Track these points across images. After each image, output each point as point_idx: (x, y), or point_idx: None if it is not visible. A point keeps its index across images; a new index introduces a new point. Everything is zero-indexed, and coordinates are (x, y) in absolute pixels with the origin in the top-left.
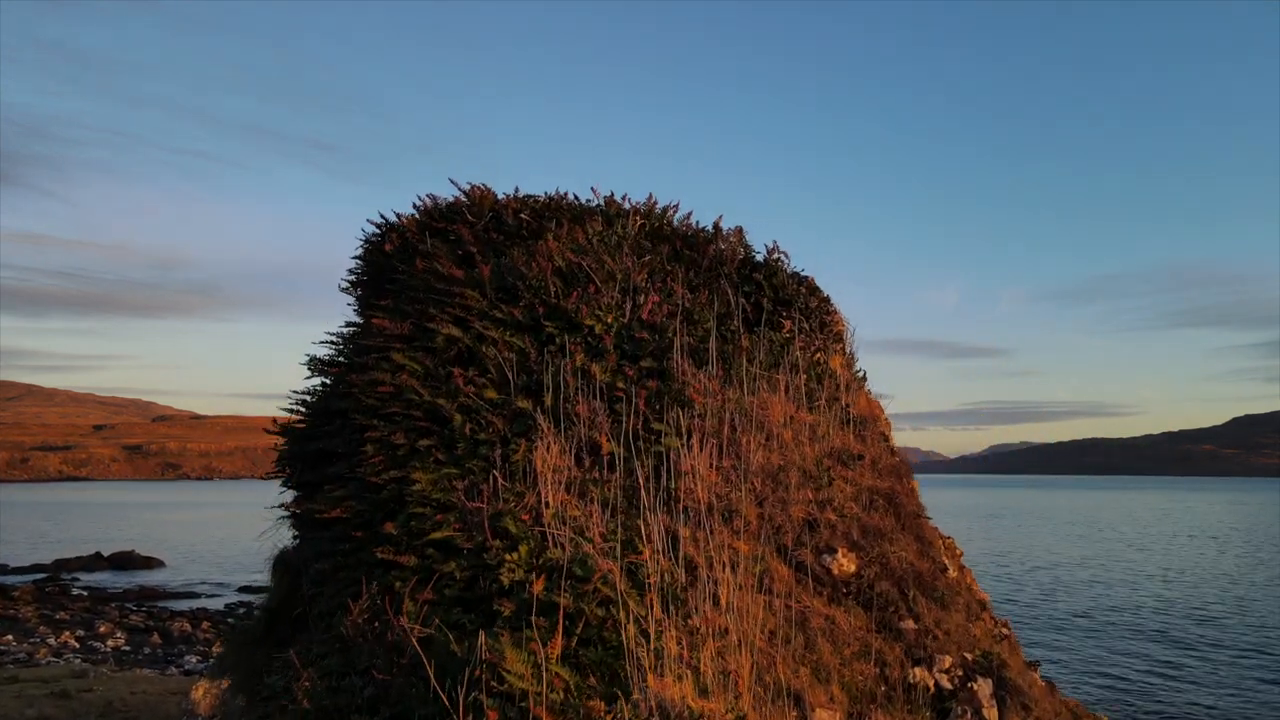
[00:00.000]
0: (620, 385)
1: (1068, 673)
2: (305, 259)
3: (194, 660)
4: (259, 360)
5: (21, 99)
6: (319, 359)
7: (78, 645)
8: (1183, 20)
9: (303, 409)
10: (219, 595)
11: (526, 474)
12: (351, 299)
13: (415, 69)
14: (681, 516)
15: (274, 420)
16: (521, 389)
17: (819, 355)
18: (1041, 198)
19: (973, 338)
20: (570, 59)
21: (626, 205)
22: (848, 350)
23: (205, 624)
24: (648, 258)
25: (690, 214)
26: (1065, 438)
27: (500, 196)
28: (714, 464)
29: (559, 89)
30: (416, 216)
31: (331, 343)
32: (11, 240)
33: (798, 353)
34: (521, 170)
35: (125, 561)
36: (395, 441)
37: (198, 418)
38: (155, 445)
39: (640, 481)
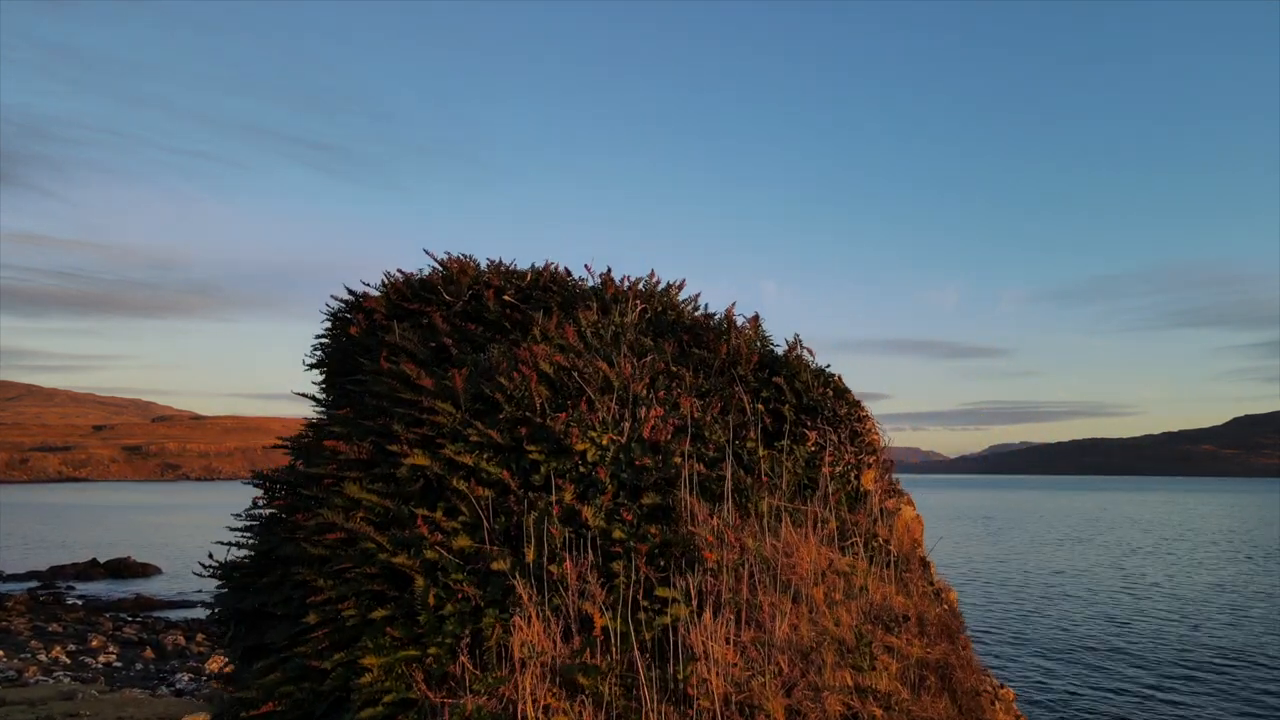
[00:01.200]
0: (617, 534)
1: (1059, 700)
2: (305, 259)
3: (186, 679)
4: (259, 360)
5: (21, 99)
6: (267, 478)
7: (69, 661)
8: (1183, 19)
9: (245, 537)
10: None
11: (502, 657)
12: (317, 378)
13: (415, 70)
14: (693, 716)
15: (211, 557)
16: (499, 535)
17: (850, 473)
18: (1041, 198)
19: (973, 338)
20: (571, 61)
21: (625, 285)
22: (882, 461)
23: (200, 636)
24: (650, 357)
25: (697, 296)
26: (1065, 438)
27: (484, 265)
28: (731, 638)
29: (560, 91)
30: (386, 295)
31: (285, 446)
32: (11, 240)
33: (825, 470)
34: (521, 170)
35: (121, 568)
36: (344, 611)
37: (198, 418)
38: (155, 446)
39: (640, 668)
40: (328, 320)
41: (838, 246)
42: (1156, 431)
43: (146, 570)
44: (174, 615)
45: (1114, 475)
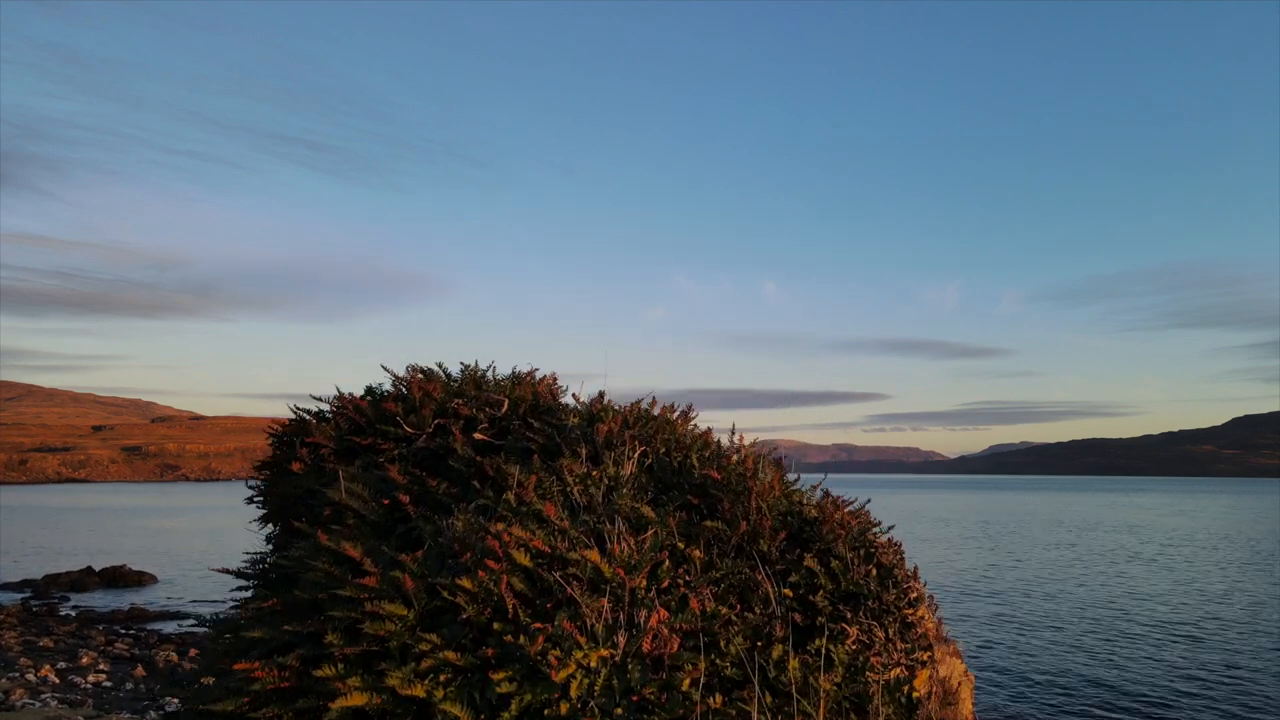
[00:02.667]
0: None
1: None
2: (305, 260)
3: (175, 703)
4: (258, 360)
5: (17, 99)
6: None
7: (58, 681)
8: (1182, 20)
9: None
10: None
11: None
12: (259, 508)
13: (416, 71)
14: None
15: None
16: None
17: (904, 685)
18: (1041, 198)
19: (973, 338)
20: (572, 62)
21: (619, 423)
22: (936, 652)
23: (193, 651)
24: (651, 533)
25: (708, 432)
26: (1065, 438)
27: (457, 374)
28: None
29: (561, 92)
30: (335, 424)
31: (209, 621)
32: (9, 240)
33: (872, 679)
34: (521, 172)
35: (116, 577)
36: None
37: (198, 418)
38: (154, 446)
39: None
40: (272, 438)
41: (838, 246)
42: (1156, 432)
43: (142, 579)
44: (168, 627)
45: (1114, 475)
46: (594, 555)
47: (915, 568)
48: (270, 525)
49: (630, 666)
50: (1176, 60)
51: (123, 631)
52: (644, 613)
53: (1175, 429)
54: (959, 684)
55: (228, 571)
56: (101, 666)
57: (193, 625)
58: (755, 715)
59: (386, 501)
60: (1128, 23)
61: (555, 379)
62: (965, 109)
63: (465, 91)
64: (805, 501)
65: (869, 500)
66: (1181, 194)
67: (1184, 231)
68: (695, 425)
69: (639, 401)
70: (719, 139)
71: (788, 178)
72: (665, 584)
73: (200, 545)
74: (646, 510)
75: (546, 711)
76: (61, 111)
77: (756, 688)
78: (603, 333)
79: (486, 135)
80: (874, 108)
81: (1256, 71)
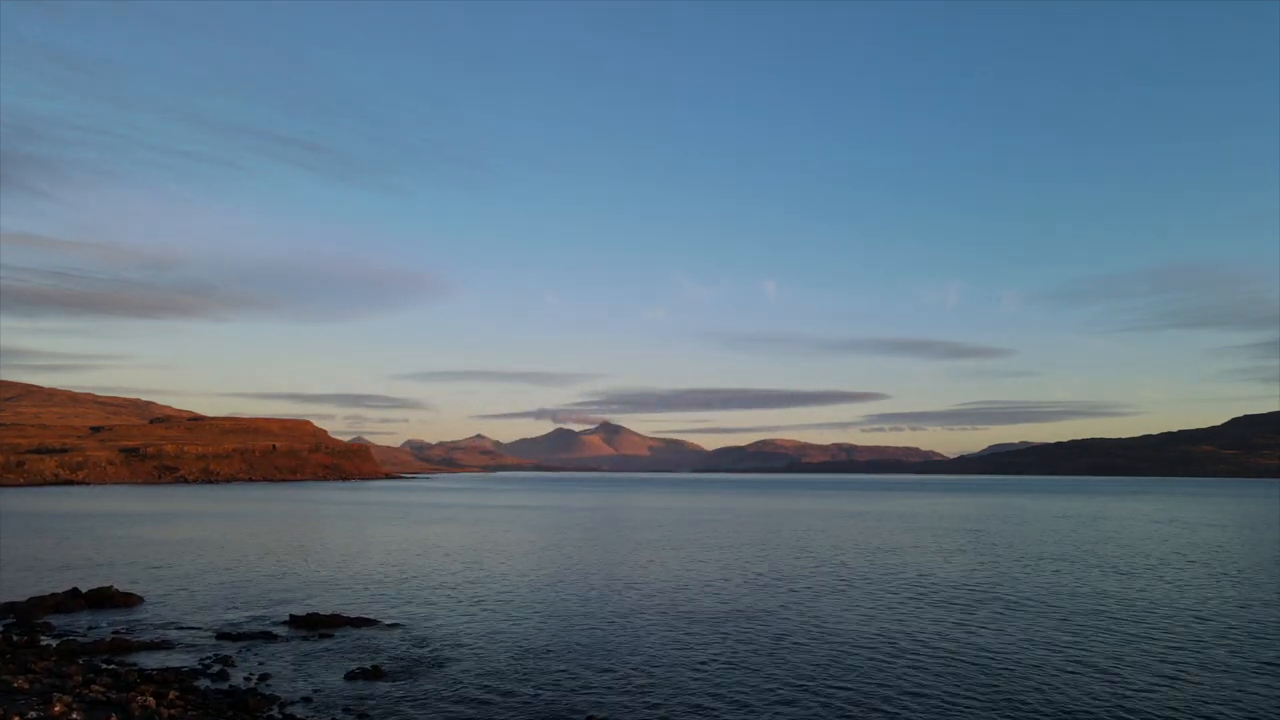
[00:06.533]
0: None
1: None
2: (302, 260)
3: None
4: (257, 360)
5: (13, 100)
6: None
7: None
8: (1182, 20)
9: None
10: (195, 647)
11: None
12: None
13: (412, 73)
14: None
15: None
16: None
17: None
18: (1041, 198)
19: (972, 338)
20: (571, 63)
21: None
22: None
23: (172, 694)
24: None
25: None
26: (1065, 438)
27: None
28: None
29: (559, 93)
30: None
31: None
32: (6, 241)
33: None
34: (520, 172)
35: (102, 599)
36: None
37: (197, 418)
38: (153, 448)
39: None
40: None
41: (838, 246)
42: (1156, 432)
43: (129, 600)
44: (149, 660)
45: (1113, 475)
46: None
47: None
48: None
49: None
50: (1176, 60)
51: (103, 666)
52: None
53: (1175, 429)
54: None
55: None
56: (74, 716)
57: (174, 660)
58: None
59: None
60: (1127, 23)
61: None
62: (965, 109)
63: (461, 92)
64: None
65: None
66: (1182, 194)
67: (1184, 231)
68: None
69: None
70: (719, 139)
71: (788, 177)
72: None
73: (190, 558)
74: None
75: None
76: (57, 112)
77: None
78: (603, 333)
79: (483, 136)
80: (874, 107)
81: (1256, 71)
